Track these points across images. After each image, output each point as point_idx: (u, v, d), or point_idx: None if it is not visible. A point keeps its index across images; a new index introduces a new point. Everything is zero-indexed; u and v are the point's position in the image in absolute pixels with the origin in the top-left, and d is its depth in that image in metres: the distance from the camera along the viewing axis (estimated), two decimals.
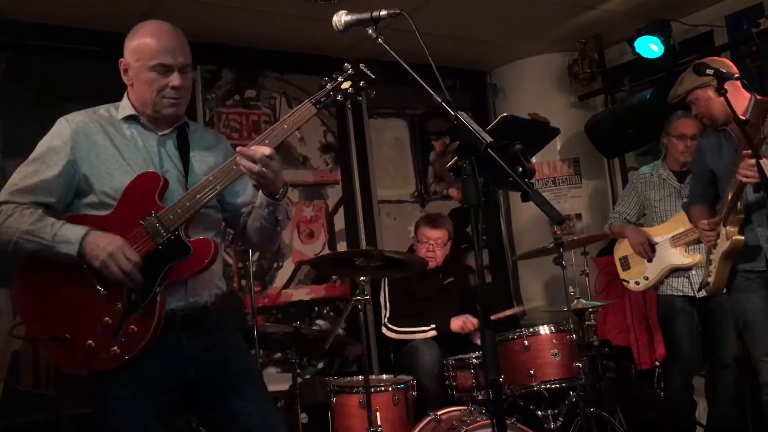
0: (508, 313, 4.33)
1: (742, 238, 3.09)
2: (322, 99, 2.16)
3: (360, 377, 3.62)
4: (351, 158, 5.32)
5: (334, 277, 5.01)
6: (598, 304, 4.16)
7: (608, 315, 5.04)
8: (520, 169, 1.71)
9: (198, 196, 2.12)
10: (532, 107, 4.65)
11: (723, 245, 3.17)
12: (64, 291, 2.12)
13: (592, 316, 4.08)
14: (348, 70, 2.17)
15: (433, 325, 4.12)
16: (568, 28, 5.19)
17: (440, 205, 5.55)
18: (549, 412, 3.75)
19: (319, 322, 4.95)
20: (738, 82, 3.18)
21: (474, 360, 3.69)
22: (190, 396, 2.22)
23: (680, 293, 4.02)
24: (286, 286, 4.87)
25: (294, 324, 3.70)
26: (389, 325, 4.24)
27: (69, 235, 2.07)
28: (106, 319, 2.08)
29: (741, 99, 3.17)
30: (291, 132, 2.17)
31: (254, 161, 2.08)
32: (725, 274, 3.20)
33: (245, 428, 2.23)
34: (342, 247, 5.11)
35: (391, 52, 1.92)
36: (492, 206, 5.83)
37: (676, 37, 4.87)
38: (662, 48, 4.81)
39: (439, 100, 1.83)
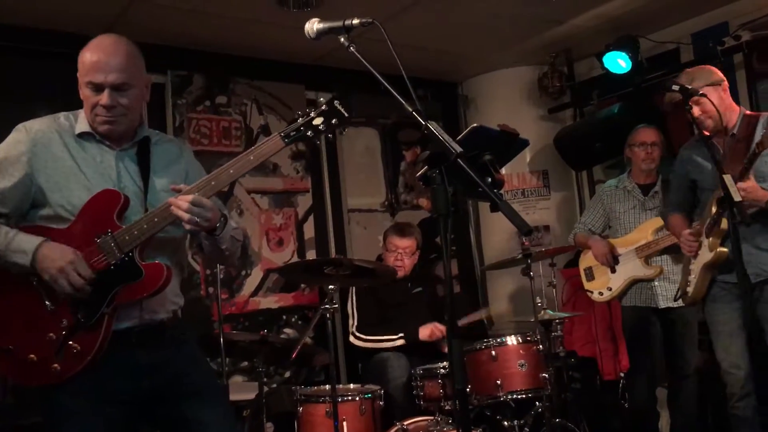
0: (474, 318, 4.35)
1: (726, 250, 3.11)
2: (292, 133, 2.12)
3: (327, 386, 3.60)
4: (322, 166, 5.32)
5: (302, 285, 4.98)
6: (565, 315, 4.20)
7: (574, 326, 5.09)
8: (490, 179, 1.72)
9: (156, 220, 2.09)
10: (503, 119, 4.67)
11: (705, 256, 3.20)
12: (12, 301, 2.09)
13: (558, 327, 4.12)
14: (321, 106, 2.14)
15: (401, 334, 4.12)
16: (538, 42, 5.25)
17: (410, 215, 5.56)
18: (515, 422, 3.78)
19: (287, 330, 4.92)
20: (724, 92, 3.21)
21: (442, 370, 3.70)
22: (147, 409, 2.19)
23: (644, 304, 4.08)
24: (254, 294, 4.83)
25: (261, 332, 3.67)
26: (357, 334, 4.23)
27: (23, 245, 2.04)
28: (51, 334, 2.05)
29: (732, 110, 3.22)
30: (256, 164, 2.14)
31: (184, 210, 2.04)
32: (705, 284, 3.23)
33: None
34: (311, 255, 5.09)
35: (363, 61, 1.92)
36: (461, 216, 5.86)
37: (643, 53, 4.97)
38: (630, 64, 4.90)
39: (410, 109, 1.84)
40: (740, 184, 2.89)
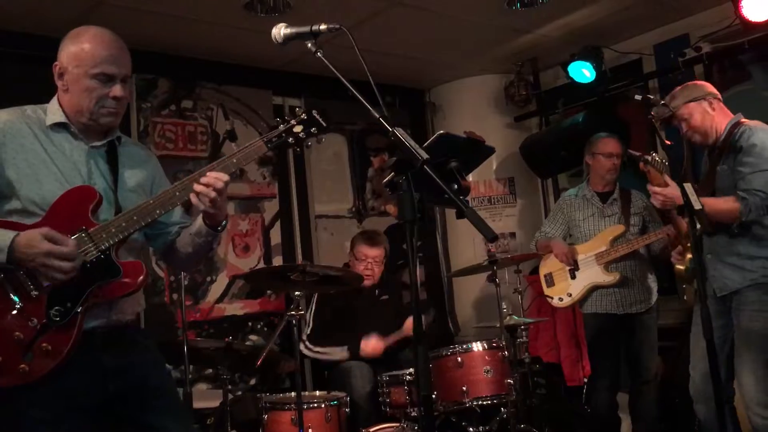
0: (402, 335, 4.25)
1: (683, 267, 3.21)
2: (274, 139, 2.16)
3: (293, 394, 3.58)
4: (289, 172, 5.29)
5: (268, 291, 4.95)
6: (530, 321, 4.24)
7: (539, 332, 5.14)
8: (456, 186, 1.73)
9: (135, 218, 2.06)
10: (470, 126, 4.74)
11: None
12: None
13: (523, 332, 4.15)
14: (301, 114, 2.18)
15: (346, 346, 4.10)
16: (505, 51, 5.31)
17: (377, 221, 5.57)
18: (481, 428, 3.79)
19: (253, 337, 4.88)
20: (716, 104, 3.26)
21: (408, 377, 3.69)
22: (111, 412, 2.15)
23: (604, 311, 4.13)
24: (220, 300, 4.78)
25: (226, 339, 3.64)
26: (307, 343, 4.18)
27: None
28: (18, 333, 1.96)
29: (719, 123, 3.24)
30: (240, 166, 2.16)
31: (211, 186, 2.05)
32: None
33: None
34: (278, 261, 5.06)
35: (330, 66, 1.92)
36: (428, 223, 5.88)
37: (607, 64, 5.05)
38: (594, 73, 4.98)
39: (377, 116, 1.84)
40: (654, 189, 3.05)
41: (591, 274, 4.17)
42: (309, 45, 1.97)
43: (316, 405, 3.52)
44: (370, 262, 4.32)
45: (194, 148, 4.81)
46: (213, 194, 2.06)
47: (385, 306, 4.43)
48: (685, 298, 3.47)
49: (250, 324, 4.88)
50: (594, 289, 4.17)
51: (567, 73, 5.10)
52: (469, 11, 4.50)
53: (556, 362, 5.05)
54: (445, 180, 1.72)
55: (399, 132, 1.81)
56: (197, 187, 2.07)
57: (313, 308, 4.28)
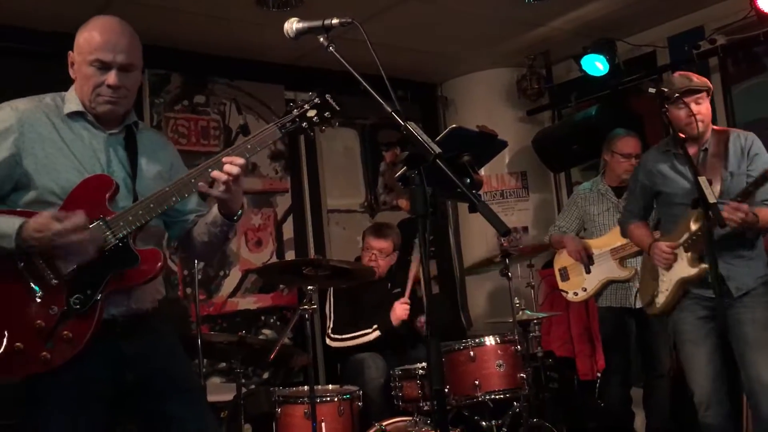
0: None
1: (707, 266, 3.02)
2: (288, 124, 2.13)
3: (305, 387, 3.59)
4: (301, 167, 5.30)
5: (281, 286, 4.96)
6: (543, 315, 4.23)
7: (552, 326, 5.12)
8: (468, 180, 1.73)
9: (152, 206, 2.06)
10: (482, 120, 4.71)
11: (684, 271, 3.15)
12: None
13: (536, 327, 4.15)
14: (314, 98, 2.15)
15: (375, 326, 4.11)
16: (517, 44, 5.28)
17: (389, 216, 5.56)
18: (493, 422, 3.79)
19: (266, 331, 4.90)
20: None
21: (420, 371, 3.70)
22: (128, 401, 2.16)
23: (619, 305, 4.12)
24: (233, 294, 4.80)
25: (239, 333, 3.65)
26: (332, 335, 4.21)
27: (3, 228, 1.95)
28: (39, 321, 1.97)
29: (710, 122, 3.21)
30: (254, 153, 2.13)
31: (226, 172, 2.04)
32: (677, 297, 3.20)
33: (192, 429, 2.18)
34: (290, 255, 5.07)
35: (342, 61, 1.92)
36: (441, 217, 5.88)
37: (620, 56, 5.02)
38: (607, 66, 4.95)
39: (390, 110, 1.84)
40: (735, 205, 2.90)
41: (606, 268, 4.15)
42: (321, 39, 1.97)
43: (329, 399, 3.53)
44: (375, 253, 4.32)
45: (207, 143, 4.83)
46: (225, 177, 2.05)
47: (396, 299, 4.42)
48: (657, 301, 3.29)
49: (262, 318, 4.90)
50: (609, 283, 4.15)
51: (580, 66, 5.07)
52: (481, 4, 4.48)
53: (570, 356, 5.04)
54: (457, 174, 1.72)
55: (411, 126, 1.81)
56: (213, 173, 2.06)
57: (331, 302, 4.30)
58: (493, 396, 3.66)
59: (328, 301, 4.33)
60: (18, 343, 1.97)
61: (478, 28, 4.86)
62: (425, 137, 1.80)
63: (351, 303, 4.29)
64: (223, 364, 4.51)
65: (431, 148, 1.75)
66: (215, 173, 2.06)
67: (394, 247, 4.39)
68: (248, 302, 4.85)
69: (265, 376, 4.79)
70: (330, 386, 3.93)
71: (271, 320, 4.94)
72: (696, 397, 3.15)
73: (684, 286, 3.18)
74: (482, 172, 5.06)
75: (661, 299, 3.27)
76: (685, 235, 3.15)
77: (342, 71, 1.91)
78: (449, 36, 4.96)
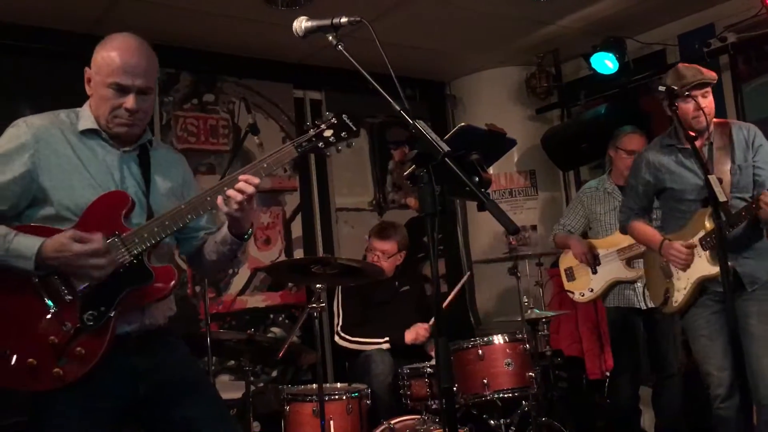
0: (457, 290, 4.26)
1: (730, 265, 2.95)
2: (304, 144, 2.14)
3: (314, 385, 3.60)
4: (310, 165, 5.31)
5: (290, 284, 4.97)
6: (551, 314, 4.22)
7: (561, 325, 5.11)
8: (477, 178, 1.72)
9: (167, 223, 2.07)
10: (491, 119, 4.69)
11: (704, 269, 3.10)
12: (7, 303, 2.01)
13: (545, 326, 4.14)
14: (330, 119, 2.14)
15: (386, 338, 4.11)
16: (526, 43, 5.27)
17: (398, 214, 5.56)
18: (501, 421, 3.78)
19: (274, 329, 4.91)
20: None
21: (428, 369, 3.70)
22: (143, 411, 2.16)
23: (627, 305, 4.10)
24: (241, 292, 4.82)
25: (248, 331, 3.66)
26: (342, 334, 4.22)
27: (21, 249, 1.96)
28: (52, 338, 1.98)
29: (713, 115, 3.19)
30: (270, 172, 2.15)
31: (242, 190, 2.06)
32: (696, 295, 3.16)
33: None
34: (299, 254, 5.08)
35: (351, 59, 1.92)
36: (449, 216, 5.87)
37: (630, 55, 5.01)
38: (617, 64, 4.93)
39: (398, 108, 1.84)
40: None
41: (613, 269, 4.13)
42: (330, 38, 1.97)
43: (337, 397, 3.54)
44: (378, 254, 4.31)
45: (216, 141, 4.85)
46: (240, 197, 2.06)
47: (406, 298, 4.43)
48: (674, 300, 3.24)
49: (271, 316, 4.92)
50: (616, 284, 4.13)
51: (589, 64, 5.06)
52: (490, 3, 4.47)
53: (578, 355, 5.03)
54: (466, 172, 1.72)
55: (420, 125, 1.81)
56: (228, 192, 2.06)
57: (340, 299, 4.30)
58: (501, 395, 3.65)
59: (336, 298, 4.33)
60: (31, 359, 1.97)
61: (487, 26, 4.85)
62: (434, 136, 1.79)
63: (360, 302, 4.29)
64: (232, 362, 4.52)
65: (440, 146, 1.75)
66: (230, 191, 2.07)
67: (399, 248, 4.36)
68: (257, 300, 4.86)
69: (274, 374, 4.81)
70: (338, 384, 3.93)
71: (280, 318, 4.95)
72: (712, 390, 3.15)
73: (703, 284, 3.15)
74: (491, 170, 5.03)
75: (679, 298, 3.22)
76: (701, 233, 3.11)
77: (351, 70, 1.91)
78: (458, 34, 4.96)
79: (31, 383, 1.98)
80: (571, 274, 4.37)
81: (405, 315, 4.25)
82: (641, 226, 3.40)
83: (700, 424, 4.19)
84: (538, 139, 5.53)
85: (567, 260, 4.39)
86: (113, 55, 2.08)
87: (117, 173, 2.15)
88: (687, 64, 3.24)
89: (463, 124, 2.49)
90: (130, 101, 2.09)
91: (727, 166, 3.10)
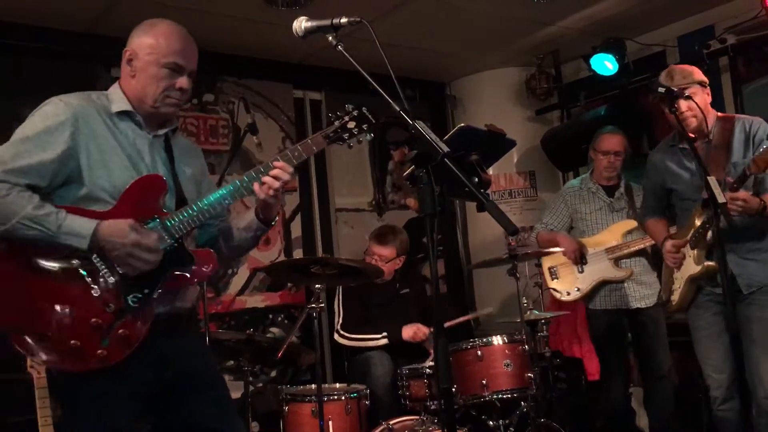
0: (461, 320, 4.33)
1: (714, 264, 3.03)
2: (331, 134, 2.19)
3: (313, 386, 3.60)
4: (309, 165, 5.31)
5: (289, 284, 4.97)
6: (550, 315, 4.21)
7: (560, 326, 5.11)
8: (476, 179, 1.72)
9: (205, 208, 2.11)
10: (490, 120, 4.69)
11: (691, 268, 3.15)
12: (49, 285, 2.00)
13: (544, 327, 4.13)
14: (352, 111, 2.21)
15: (384, 333, 4.11)
16: (526, 43, 5.27)
17: (398, 215, 5.57)
18: (500, 422, 3.79)
19: (273, 329, 4.91)
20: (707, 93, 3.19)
21: (427, 369, 3.70)
22: (158, 401, 2.17)
23: (614, 307, 4.09)
24: (241, 292, 4.81)
25: (247, 331, 3.66)
26: (341, 332, 4.23)
27: (76, 227, 1.96)
28: (94, 319, 1.99)
29: (711, 114, 3.18)
30: (300, 160, 2.19)
31: (278, 177, 2.12)
32: (690, 294, 3.19)
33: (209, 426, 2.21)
34: (298, 254, 5.08)
35: (351, 59, 1.92)
36: (449, 216, 5.87)
37: (630, 56, 5.01)
38: (617, 66, 4.93)
39: (398, 109, 1.84)
40: (733, 195, 2.86)
41: (601, 268, 4.11)
42: (330, 38, 1.98)
43: (336, 397, 3.54)
44: (376, 258, 4.31)
45: (216, 141, 4.84)
46: (277, 184, 2.12)
47: (406, 299, 4.43)
48: (672, 299, 3.28)
49: (270, 316, 4.91)
50: (603, 283, 4.11)
51: (589, 65, 5.05)
52: (490, 3, 4.47)
53: (577, 357, 5.02)
54: (465, 173, 1.72)
55: (420, 125, 1.81)
56: (265, 178, 2.13)
57: (341, 298, 4.31)
58: (500, 395, 3.66)
59: (336, 297, 4.33)
60: (74, 341, 1.97)
61: (487, 27, 4.85)
62: (433, 136, 1.80)
63: (360, 302, 4.30)
64: (231, 362, 4.49)
65: (439, 147, 1.75)
66: (266, 178, 2.13)
67: (398, 253, 4.35)
68: (256, 300, 4.86)
69: (273, 374, 4.80)
70: (337, 385, 3.94)
71: (279, 318, 4.94)
72: (711, 392, 3.16)
73: (694, 284, 3.18)
74: (490, 171, 5.05)
75: (675, 297, 3.28)
76: (691, 232, 3.15)
77: (350, 70, 1.92)
78: (458, 35, 4.96)
79: (74, 364, 1.99)
80: (555, 273, 4.33)
81: (405, 317, 4.25)
82: (653, 225, 3.48)
83: (694, 425, 4.20)
84: (537, 140, 5.53)
85: (550, 258, 4.33)
86: (171, 37, 2.17)
87: (147, 157, 2.17)
88: (672, 67, 3.24)
89: (462, 124, 2.49)
90: (184, 81, 2.17)
91: (722, 165, 3.09)
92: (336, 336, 4.26)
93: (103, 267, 2.02)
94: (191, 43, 2.21)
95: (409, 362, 3.91)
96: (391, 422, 3.48)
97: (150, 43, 2.16)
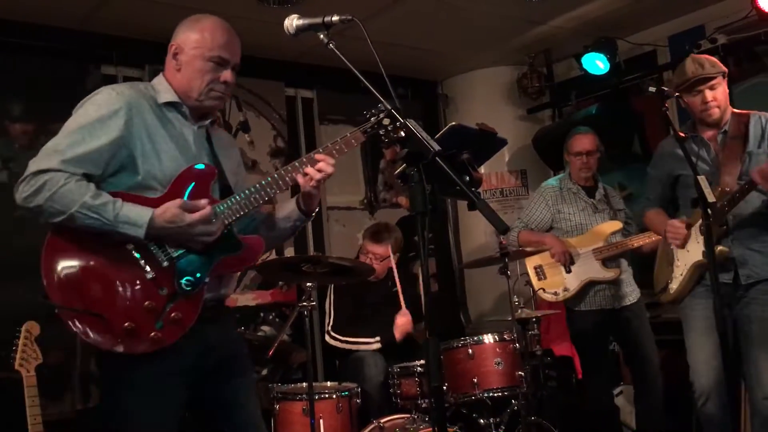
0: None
1: (726, 249, 3.02)
2: (368, 129, 2.21)
3: (304, 384, 3.59)
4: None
5: (280, 282, 4.96)
6: (541, 313, 4.22)
7: (551, 324, 5.12)
8: (468, 177, 1.73)
9: (252, 198, 2.16)
10: (482, 118, 4.70)
11: (699, 254, 3.10)
12: (103, 268, 2.04)
13: (535, 325, 4.14)
14: (384, 110, 2.19)
15: (377, 338, 4.11)
16: (518, 43, 5.28)
17: (389, 213, 5.57)
18: (491, 420, 3.79)
19: (264, 328, 4.90)
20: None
21: (419, 368, 3.70)
22: (201, 387, 2.20)
23: (599, 307, 4.10)
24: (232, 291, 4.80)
25: (238, 329, 3.65)
26: (332, 333, 4.21)
27: (132, 216, 2.00)
28: (148, 302, 2.03)
29: (729, 106, 3.19)
30: (341, 154, 2.26)
31: (321, 169, 2.17)
32: (692, 283, 3.16)
33: (239, 422, 2.25)
34: (289, 252, 5.07)
35: (342, 58, 1.92)
36: (440, 215, 5.87)
37: (621, 55, 5.03)
38: (608, 65, 4.96)
39: (389, 107, 1.84)
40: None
41: (588, 269, 4.11)
42: (321, 36, 1.98)
43: (327, 395, 3.54)
44: (371, 257, 4.30)
45: None
46: (320, 175, 2.18)
47: (397, 298, 4.43)
48: (671, 287, 3.24)
49: (261, 315, 4.90)
50: (591, 284, 4.11)
51: (581, 64, 5.07)
52: (483, 2, 4.47)
53: (568, 355, 5.04)
54: (456, 172, 1.73)
55: (411, 123, 1.82)
56: (308, 169, 2.18)
57: (332, 298, 4.29)
58: (491, 394, 3.66)
59: (328, 297, 4.32)
60: (127, 323, 2.01)
61: (479, 26, 4.85)
62: (425, 135, 1.80)
63: (352, 301, 4.28)
64: None
65: (431, 145, 1.76)
66: (309, 169, 2.18)
67: (393, 251, 4.32)
68: (247, 299, 4.85)
69: (264, 372, 4.79)
70: (328, 383, 3.93)
71: (270, 317, 4.94)
72: (696, 388, 3.15)
73: (698, 271, 3.14)
74: (482, 170, 5.05)
75: (675, 285, 3.23)
76: (701, 219, 3.13)
77: (343, 68, 1.92)
78: (450, 34, 4.96)
79: (129, 346, 2.02)
80: (541, 273, 4.29)
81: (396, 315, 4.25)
82: (654, 215, 3.41)
83: (685, 420, 4.22)
84: (529, 138, 5.55)
85: (535, 257, 4.30)
86: (216, 32, 2.23)
87: (193, 147, 2.21)
88: (696, 56, 3.23)
89: (454, 123, 2.50)
90: (228, 75, 2.21)
91: (738, 156, 3.09)
92: (327, 337, 4.23)
93: (158, 250, 2.06)
94: (235, 37, 2.25)
95: (401, 361, 3.91)
96: (382, 420, 3.48)
97: (195, 38, 2.22)
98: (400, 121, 2.16)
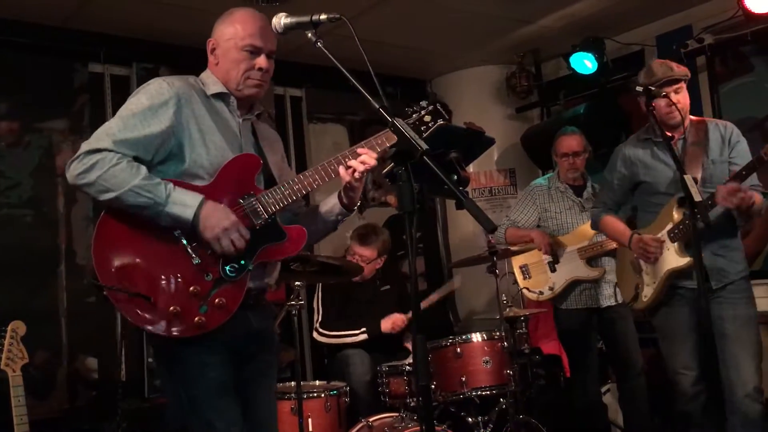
0: (435, 297, 4.26)
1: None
2: (410, 125, 2.22)
3: (292, 383, 3.59)
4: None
5: None
6: (529, 312, 4.23)
7: (539, 323, 5.14)
8: (455, 176, 1.73)
9: (296, 188, 2.20)
10: (471, 118, 4.72)
11: (673, 261, 3.11)
12: (151, 252, 2.09)
13: (523, 324, 4.15)
14: (428, 106, 2.25)
15: (363, 329, 4.11)
16: (507, 42, 5.29)
17: (378, 212, 5.56)
18: (479, 418, 3.80)
19: None
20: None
21: (407, 367, 3.70)
22: (238, 375, 2.23)
23: (584, 306, 4.12)
24: None
25: None
26: (320, 330, 4.22)
27: (185, 199, 2.06)
28: (194, 287, 2.08)
29: (688, 111, 3.20)
30: (383, 148, 2.25)
31: (363, 162, 2.19)
32: (666, 289, 3.17)
33: (261, 417, 2.27)
34: None
35: (331, 57, 1.92)
36: (428, 214, 5.88)
37: (609, 55, 5.05)
38: (596, 64, 4.98)
39: (377, 106, 1.84)
40: (734, 186, 2.89)
41: (573, 267, 4.13)
42: (309, 35, 1.98)
43: (315, 394, 3.54)
44: (357, 258, 4.29)
45: None
46: (362, 168, 2.20)
47: (386, 296, 4.43)
48: (643, 296, 3.23)
49: None
50: (575, 283, 4.13)
51: (569, 64, 5.10)
52: (472, 1, 4.48)
53: (556, 353, 5.06)
54: (444, 171, 1.73)
55: (399, 123, 1.82)
56: (351, 162, 2.21)
57: (320, 296, 4.30)
58: (479, 392, 3.67)
59: (316, 295, 4.32)
60: (173, 307, 2.05)
61: (467, 25, 4.86)
62: (413, 134, 1.80)
63: (340, 299, 4.29)
64: None
65: (418, 144, 1.76)
66: (352, 162, 2.21)
67: (379, 254, 4.33)
68: None
69: None
70: (317, 382, 3.93)
71: None
72: (678, 389, 3.17)
73: (672, 278, 3.14)
74: (470, 168, 5.08)
75: (648, 293, 3.22)
76: (669, 225, 3.14)
77: (331, 67, 1.92)
78: (439, 33, 4.96)
79: (175, 329, 2.07)
80: (526, 272, 4.32)
81: (386, 313, 4.24)
82: (612, 221, 3.39)
83: (670, 419, 4.25)
84: (518, 137, 5.56)
85: (521, 257, 4.32)
86: (246, 22, 2.26)
87: (240, 138, 2.26)
88: (660, 60, 3.26)
89: (441, 122, 2.50)
90: (263, 60, 2.25)
91: (700, 162, 3.12)
92: (315, 334, 4.24)
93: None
94: (267, 24, 2.22)
95: (387, 359, 3.92)
96: (371, 419, 3.48)
97: (228, 30, 2.27)
98: (443, 118, 2.21)
